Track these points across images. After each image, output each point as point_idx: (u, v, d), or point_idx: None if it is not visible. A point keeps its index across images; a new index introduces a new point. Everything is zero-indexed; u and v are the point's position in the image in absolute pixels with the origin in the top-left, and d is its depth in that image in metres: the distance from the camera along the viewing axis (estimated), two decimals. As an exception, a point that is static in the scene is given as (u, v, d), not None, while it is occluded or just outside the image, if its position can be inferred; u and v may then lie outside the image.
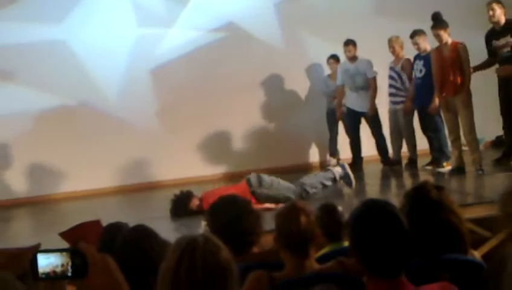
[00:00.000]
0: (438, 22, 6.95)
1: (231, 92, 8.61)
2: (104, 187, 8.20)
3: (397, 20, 8.66)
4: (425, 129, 7.72)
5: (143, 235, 2.45)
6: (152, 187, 8.27)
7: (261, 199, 6.20)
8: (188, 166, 8.41)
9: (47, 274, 1.26)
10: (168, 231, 4.61)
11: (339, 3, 9.02)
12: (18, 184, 8.17)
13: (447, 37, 6.91)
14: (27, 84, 8.14)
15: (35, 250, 1.26)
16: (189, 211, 6.15)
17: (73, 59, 8.26)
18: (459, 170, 7.02)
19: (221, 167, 8.78)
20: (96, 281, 1.24)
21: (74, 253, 1.26)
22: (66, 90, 8.25)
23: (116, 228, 2.74)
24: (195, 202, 6.21)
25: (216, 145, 8.71)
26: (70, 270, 1.26)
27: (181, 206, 6.21)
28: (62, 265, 1.26)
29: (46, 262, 1.26)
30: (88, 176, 8.13)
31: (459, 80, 6.87)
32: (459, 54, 6.87)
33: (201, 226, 2.77)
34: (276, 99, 9.01)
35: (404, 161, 8.12)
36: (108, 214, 5.01)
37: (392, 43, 8.00)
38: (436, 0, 7.83)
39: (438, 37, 6.93)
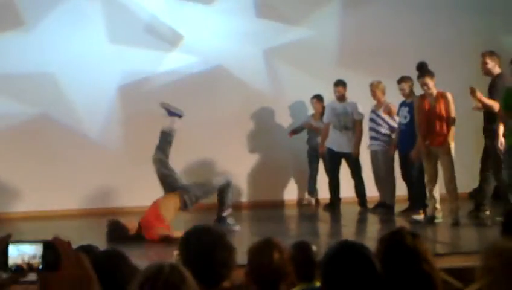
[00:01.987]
0: (425, 70, 7.06)
1: (211, 125, 8.54)
2: (65, 209, 7.83)
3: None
4: (405, 175, 7.78)
5: (114, 258, 2.42)
6: (116, 213, 7.59)
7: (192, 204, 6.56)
8: (156, 194, 8.26)
9: (17, 266, 1.23)
10: (137, 256, 4.53)
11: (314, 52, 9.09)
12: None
13: (433, 86, 7.02)
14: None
15: (7, 240, 1.23)
16: (126, 238, 6.16)
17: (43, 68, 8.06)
18: (432, 219, 7.06)
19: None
20: (69, 275, 1.21)
21: (47, 246, 1.23)
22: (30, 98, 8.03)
23: (86, 250, 2.69)
24: (132, 229, 6.27)
25: (189, 175, 8.55)
26: (41, 262, 1.23)
27: (121, 232, 6.23)
28: (33, 257, 1.23)
29: (17, 253, 1.23)
30: (48, 196, 7.84)
31: (445, 130, 6.96)
32: (446, 103, 6.96)
33: (173, 255, 2.71)
34: (256, 134, 9.01)
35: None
36: (72, 237, 4.90)
37: (373, 88, 8.10)
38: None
39: (425, 86, 7.02)
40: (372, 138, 8.17)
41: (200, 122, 8.49)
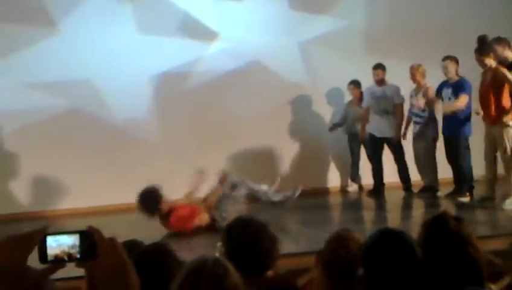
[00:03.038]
0: (480, 48, 6.89)
1: (250, 118, 8.56)
2: (114, 204, 7.89)
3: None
4: (450, 158, 7.63)
5: (159, 252, 2.46)
6: None
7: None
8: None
9: (56, 256, 1.25)
10: (183, 249, 4.59)
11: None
12: (21, 197, 8.01)
13: (491, 62, 6.83)
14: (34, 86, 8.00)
15: (44, 232, 1.25)
16: (156, 211, 6.22)
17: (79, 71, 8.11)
18: (486, 200, 6.93)
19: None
20: (106, 263, 1.23)
21: (83, 235, 1.26)
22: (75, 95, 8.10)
23: (132, 245, 2.73)
24: (165, 207, 6.29)
25: (235, 165, 8.63)
26: (79, 252, 1.25)
27: (153, 203, 6.26)
28: (71, 247, 1.25)
29: (55, 244, 1.25)
30: (96, 192, 7.93)
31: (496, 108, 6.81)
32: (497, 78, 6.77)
33: (217, 247, 2.74)
34: (296, 124, 9.00)
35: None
36: (122, 232, 4.99)
37: (412, 71, 7.98)
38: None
39: (479, 62, 6.91)
40: (415, 122, 8.08)
41: (240, 116, 8.55)
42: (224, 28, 8.66)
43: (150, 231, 5.98)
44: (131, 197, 6.45)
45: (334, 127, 8.89)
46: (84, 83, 8.07)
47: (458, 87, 7.33)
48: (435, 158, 7.92)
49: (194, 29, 8.50)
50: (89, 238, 1.25)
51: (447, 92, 7.48)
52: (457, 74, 7.45)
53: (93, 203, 7.94)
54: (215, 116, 8.49)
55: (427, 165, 7.96)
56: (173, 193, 6.76)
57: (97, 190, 7.95)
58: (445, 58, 7.49)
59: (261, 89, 8.65)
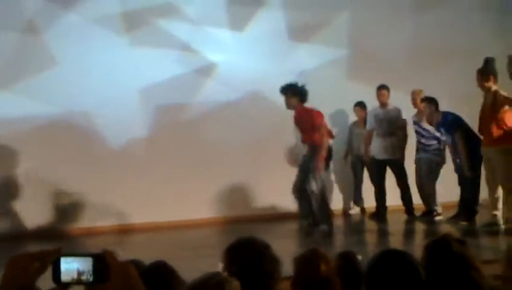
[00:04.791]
0: (481, 69, 6.91)
1: (254, 141, 8.59)
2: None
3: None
4: (460, 181, 7.59)
5: (161, 271, 2.45)
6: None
7: None
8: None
9: (69, 278, 1.25)
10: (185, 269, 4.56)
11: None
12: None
13: (491, 85, 6.83)
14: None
15: (58, 253, 1.26)
16: None
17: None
18: (491, 225, 6.90)
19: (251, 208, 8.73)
20: (118, 287, 1.23)
21: (96, 258, 1.26)
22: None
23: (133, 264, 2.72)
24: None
25: (236, 196, 8.66)
26: (92, 275, 1.25)
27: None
28: (84, 270, 1.25)
29: (68, 266, 1.26)
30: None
31: (495, 130, 6.80)
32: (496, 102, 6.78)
33: (218, 268, 2.72)
34: (299, 148, 8.96)
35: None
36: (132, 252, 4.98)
37: (414, 96, 8.03)
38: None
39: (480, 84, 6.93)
40: (420, 150, 8.06)
41: (239, 146, 8.54)
42: (222, 58, 8.64)
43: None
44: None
45: (347, 154, 8.89)
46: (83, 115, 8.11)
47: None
48: (435, 183, 7.91)
49: (192, 60, 8.51)
50: (102, 262, 1.25)
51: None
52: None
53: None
54: (212, 146, 8.49)
55: (428, 189, 7.94)
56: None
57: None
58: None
59: (260, 118, 8.61)
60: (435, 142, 7.95)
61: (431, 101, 7.56)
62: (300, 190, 7.30)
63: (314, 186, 7.15)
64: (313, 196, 7.18)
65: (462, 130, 7.33)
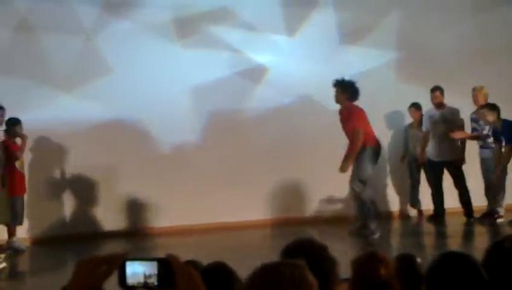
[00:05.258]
0: None
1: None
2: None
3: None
4: None
5: (220, 273, 2.47)
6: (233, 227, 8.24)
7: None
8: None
9: (135, 282, 1.28)
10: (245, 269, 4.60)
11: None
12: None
13: None
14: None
15: (124, 257, 1.29)
16: None
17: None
18: None
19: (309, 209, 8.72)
20: None
21: (161, 262, 1.28)
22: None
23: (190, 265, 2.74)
24: None
25: (289, 197, 8.68)
26: (157, 279, 1.27)
27: None
28: (149, 274, 1.27)
29: (134, 270, 1.28)
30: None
31: None
32: None
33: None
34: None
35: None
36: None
37: (475, 92, 7.86)
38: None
39: None
40: (480, 146, 7.90)
41: (291, 149, 8.55)
42: (274, 62, 8.66)
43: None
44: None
45: (404, 156, 8.78)
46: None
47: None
48: (504, 182, 7.71)
49: (243, 64, 8.56)
50: (167, 266, 1.27)
51: None
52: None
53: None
54: (265, 149, 8.53)
55: (494, 189, 7.75)
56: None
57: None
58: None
59: (311, 121, 8.60)
60: (491, 139, 7.76)
61: (494, 108, 7.37)
62: (351, 191, 7.30)
63: (360, 187, 7.11)
64: (359, 197, 7.15)
65: None
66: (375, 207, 7.29)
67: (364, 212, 7.19)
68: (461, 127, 8.06)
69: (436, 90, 8.11)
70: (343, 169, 7.15)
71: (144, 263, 1.29)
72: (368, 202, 7.14)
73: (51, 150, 8.08)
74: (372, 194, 7.28)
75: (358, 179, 7.12)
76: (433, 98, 8.14)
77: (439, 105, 8.11)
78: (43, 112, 7.87)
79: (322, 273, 2.68)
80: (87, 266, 1.25)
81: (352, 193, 7.32)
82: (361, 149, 7.09)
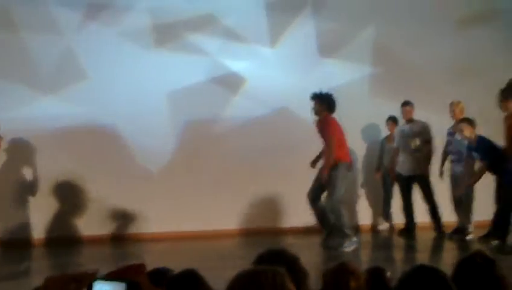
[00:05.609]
0: (506, 89, 6.89)
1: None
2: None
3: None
4: (499, 200, 7.43)
5: (190, 280, 2.46)
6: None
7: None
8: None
9: None
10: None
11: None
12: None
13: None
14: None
15: (94, 276, 1.28)
16: None
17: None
18: None
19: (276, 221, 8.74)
20: None
21: (130, 284, 1.27)
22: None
23: (160, 273, 2.74)
24: None
25: (268, 212, 8.71)
26: None
27: None
28: None
29: None
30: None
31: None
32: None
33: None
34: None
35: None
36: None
37: (453, 107, 7.95)
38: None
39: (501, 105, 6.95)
40: (453, 161, 7.96)
41: (267, 160, 8.58)
42: (252, 74, 8.70)
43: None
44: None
45: (379, 168, 8.85)
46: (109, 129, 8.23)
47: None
48: (472, 200, 7.80)
49: (221, 74, 8.58)
50: (136, 288, 1.27)
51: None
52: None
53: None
54: (240, 159, 8.55)
55: (464, 206, 7.83)
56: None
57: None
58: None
59: (287, 132, 8.65)
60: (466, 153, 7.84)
61: (471, 123, 7.46)
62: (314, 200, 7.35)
63: (327, 198, 7.19)
64: (327, 208, 7.20)
65: (496, 158, 7.22)
66: (339, 214, 7.25)
67: (329, 223, 7.21)
68: (428, 141, 8.12)
69: (407, 105, 8.22)
70: (325, 180, 7.18)
71: (112, 283, 1.27)
72: (329, 211, 7.17)
73: (24, 151, 7.99)
74: (335, 204, 7.26)
75: (333, 198, 7.14)
76: (403, 113, 8.24)
77: (410, 120, 8.21)
78: (19, 113, 7.81)
79: (293, 283, 2.69)
80: (57, 284, 1.24)
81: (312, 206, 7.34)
82: (334, 164, 7.12)
